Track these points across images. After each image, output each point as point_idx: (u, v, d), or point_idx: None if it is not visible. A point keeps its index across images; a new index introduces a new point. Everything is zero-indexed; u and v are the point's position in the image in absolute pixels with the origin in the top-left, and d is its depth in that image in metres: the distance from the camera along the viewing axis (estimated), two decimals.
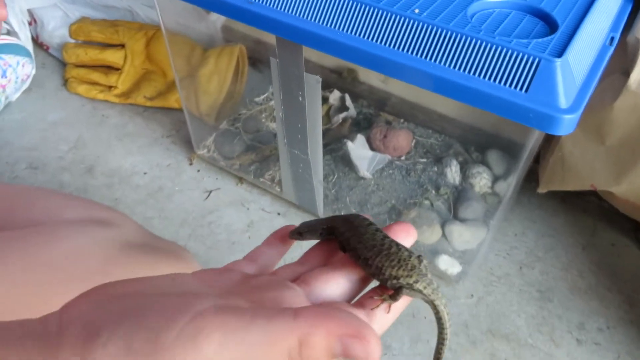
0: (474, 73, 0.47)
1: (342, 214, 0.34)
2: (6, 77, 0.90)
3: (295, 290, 0.27)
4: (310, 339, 0.24)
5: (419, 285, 0.28)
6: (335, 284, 0.29)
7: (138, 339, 0.22)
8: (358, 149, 0.82)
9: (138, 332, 0.22)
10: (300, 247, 0.34)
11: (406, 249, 0.29)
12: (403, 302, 0.29)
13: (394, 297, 0.28)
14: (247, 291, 0.27)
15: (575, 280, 0.74)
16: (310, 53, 0.58)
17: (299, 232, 0.33)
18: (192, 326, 0.23)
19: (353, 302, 0.30)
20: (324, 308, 0.25)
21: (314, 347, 0.24)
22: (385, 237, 0.30)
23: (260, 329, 0.23)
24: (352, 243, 0.30)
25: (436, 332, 0.30)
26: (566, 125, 0.45)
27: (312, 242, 0.34)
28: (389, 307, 0.29)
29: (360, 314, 0.28)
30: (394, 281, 0.28)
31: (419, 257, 0.29)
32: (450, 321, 0.30)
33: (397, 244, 0.29)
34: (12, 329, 0.24)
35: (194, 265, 0.50)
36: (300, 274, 0.30)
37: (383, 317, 0.28)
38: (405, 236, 0.31)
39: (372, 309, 0.28)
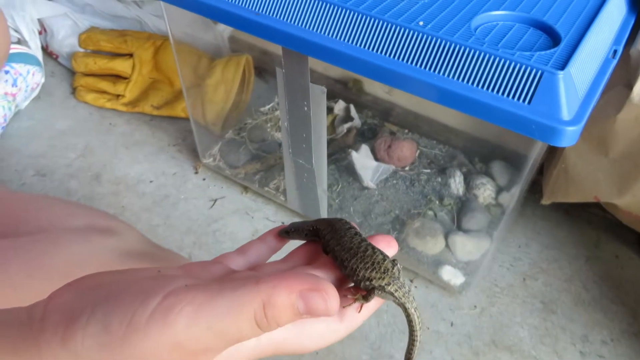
0: (478, 85, 0.48)
1: (328, 217, 0.35)
2: (16, 86, 0.92)
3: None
4: (272, 299, 0.25)
5: (390, 288, 0.30)
6: None
7: (115, 320, 0.24)
8: (362, 159, 0.83)
9: (114, 314, 0.24)
10: (295, 246, 0.35)
11: (381, 253, 0.30)
12: (375, 303, 0.30)
13: (366, 297, 0.30)
14: (224, 281, 0.28)
15: (579, 292, 0.74)
16: (315, 63, 0.59)
17: (287, 231, 0.34)
18: (164, 305, 0.24)
19: None
20: (284, 272, 0.27)
21: (277, 306, 0.25)
22: (363, 240, 0.31)
23: (226, 299, 0.25)
24: (332, 245, 0.31)
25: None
26: (568, 137, 0.46)
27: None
28: (361, 306, 0.30)
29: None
30: (367, 282, 0.29)
31: (393, 261, 0.30)
32: (421, 324, 0.32)
33: (374, 248, 0.30)
34: None
35: None
36: (269, 251, 0.32)
37: (354, 316, 0.30)
38: (386, 247, 0.32)
39: (343, 307, 0.30)
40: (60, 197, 0.83)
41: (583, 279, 0.76)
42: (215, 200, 0.85)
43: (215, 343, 0.25)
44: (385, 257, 0.30)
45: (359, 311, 0.30)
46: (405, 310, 0.31)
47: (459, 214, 0.77)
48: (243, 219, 0.82)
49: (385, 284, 0.29)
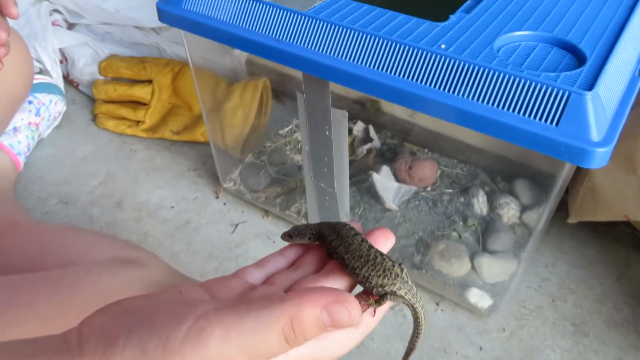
0: (504, 107, 0.47)
1: (331, 221, 0.36)
2: (39, 116, 0.93)
3: None
4: (299, 315, 0.27)
5: (401, 292, 0.32)
6: None
7: (151, 343, 0.25)
8: (383, 180, 0.82)
9: (150, 337, 0.26)
10: None
11: (389, 259, 0.33)
12: (386, 306, 0.32)
13: (379, 302, 0.32)
14: (246, 301, 0.30)
15: (610, 313, 0.72)
16: (333, 85, 0.59)
17: (290, 235, 0.36)
18: (196, 326, 0.26)
19: None
20: (307, 289, 0.29)
21: (303, 321, 0.27)
22: (371, 247, 0.33)
23: (255, 318, 0.27)
24: (340, 252, 0.33)
25: None
26: (599, 158, 0.45)
27: None
28: (375, 311, 0.32)
29: None
30: (380, 289, 0.32)
31: (400, 265, 0.33)
32: (426, 319, 0.35)
33: (382, 254, 0.33)
34: (36, 344, 0.27)
35: None
36: (294, 281, 0.33)
37: (368, 320, 0.32)
38: (384, 241, 0.35)
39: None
40: (83, 226, 0.84)
41: (614, 299, 0.74)
42: (237, 225, 0.85)
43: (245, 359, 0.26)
44: (394, 263, 0.33)
45: (374, 315, 0.32)
46: (414, 309, 0.34)
47: (484, 234, 0.76)
48: (265, 243, 0.82)
49: (397, 289, 0.32)
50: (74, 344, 0.26)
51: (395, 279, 0.32)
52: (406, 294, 0.32)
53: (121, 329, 0.26)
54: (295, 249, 0.36)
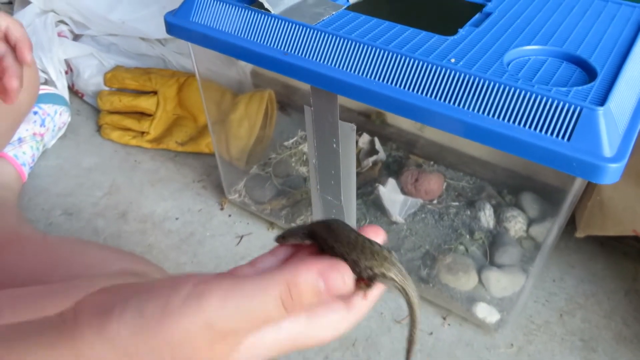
0: (515, 122, 0.47)
1: (324, 219, 0.37)
2: (44, 126, 0.93)
3: None
4: (296, 279, 0.28)
5: (391, 274, 0.32)
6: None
7: (149, 306, 0.26)
8: (390, 193, 0.82)
9: (148, 302, 0.26)
10: None
11: (377, 244, 0.33)
12: (377, 291, 0.33)
13: (369, 285, 0.32)
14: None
15: (619, 328, 0.71)
16: (339, 97, 0.59)
17: (283, 236, 0.36)
18: (197, 290, 0.27)
19: None
20: (301, 259, 0.30)
21: (300, 286, 0.28)
22: (359, 235, 0.33)
23: (253, 283, 0.28)
24: (330, 242, 0.33)
25: None
26: (611, 174, 0.44)
27: None
28: (365, 294, 0.32)
29: (339, 303, 0.32)
30: (369, 271, 0.32)
31: (389, 250, 0.33)
32: (420, 305, 0.34)
33: (370, 240, 0.33)
34: (32, 323, 0.28)
35: None
36: (278, 262, 0.34)
37: (360, 304, 0.32)
38: (374, 236, 0.35)
39: (350, 298, 0.32)
40: (88, 238, 0.83)
41: (623, 315, 0.73)
42: (242, 237, 0.84)
43: (242, 324, 0.27)
44: (381, 247, 0.33)
45: (365, 298, 0.32)
46: (406, 293, 0.33)
47: (491, 248, 0.75)
48: None
49: (386, 270, 0.32)
50: (69, 318, 0.27)
51: (383, 260, 0.32)
52: (396, 275, 0.32)
53: (117, 300, 0.27)
54: (286, 248, 0.36)
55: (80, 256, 0.50)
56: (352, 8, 0.62)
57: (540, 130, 0.46)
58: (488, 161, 0.86)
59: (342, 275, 0.29)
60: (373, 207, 0.83)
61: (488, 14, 0.60)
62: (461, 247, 0.76)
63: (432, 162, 0.90)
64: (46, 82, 1.01)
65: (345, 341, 0.70)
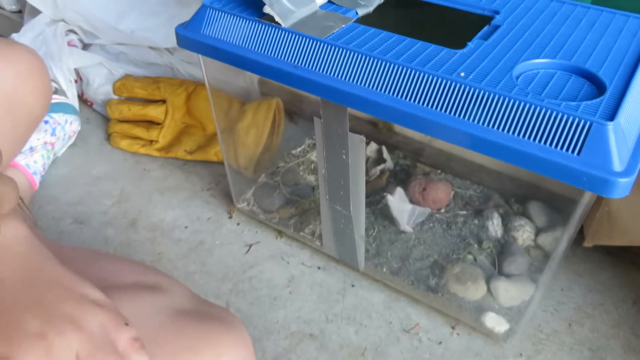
0: (525, 136, 0.48)
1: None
2: (55, 135, 0.94)
3: None
4: None
5: None
6: None
7: None
8: (398, 202, 0.82)
9: None
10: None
11: None
12: None
13: None
14: None
15: (628, 338, 0.72)
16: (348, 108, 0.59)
17: None
18: None
19: None
20: None
21: None
22: None
23: None
24: None
25: None
26: (621, 188, 0.45)
27: None
28: None
29: None
30: None
31: None
32: None
33: None
34: None
35: (244, 333, 0.50)
36: None
37: None
38: None
39: None
40: (98, 247, 0.84)
41: (632, 324, 0.73)
42: (251, 246, 0.85)
43: None
44: None
45: None
46: None
47: (499, 257, 0.75)
48: (279, 264, 0.82)
49: None
50: None
51: None
52: None
53: None
54: None
55: (94, 268, 0.51)
56: (361, 21, 0.63)
57: (550, 144, 0.47)
58: (495, 170, 0.87)
59: None
60: (381, 216, 0.83)
61: (496, 27, 0.60)
62: (469, 257, 0.76)
63: (439, 171, 0.91)
64: (56, 92, 1.02)
65: (354, 351, 0.70)
